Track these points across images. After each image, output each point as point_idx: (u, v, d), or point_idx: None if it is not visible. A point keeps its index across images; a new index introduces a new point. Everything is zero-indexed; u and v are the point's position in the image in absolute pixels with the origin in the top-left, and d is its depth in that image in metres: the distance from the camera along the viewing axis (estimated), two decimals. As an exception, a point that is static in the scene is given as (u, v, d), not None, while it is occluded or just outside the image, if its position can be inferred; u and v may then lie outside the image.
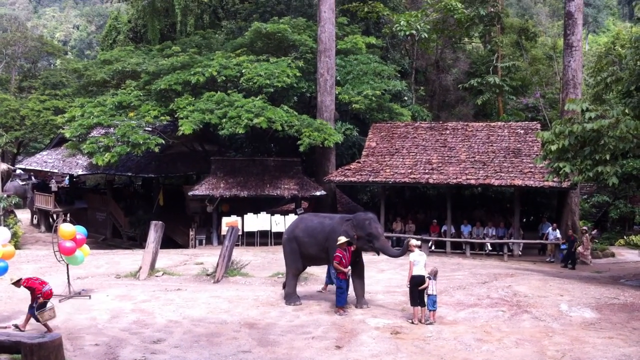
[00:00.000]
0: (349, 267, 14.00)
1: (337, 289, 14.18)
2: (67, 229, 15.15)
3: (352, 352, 11.42)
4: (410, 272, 13.47)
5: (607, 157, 16.99)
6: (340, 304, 14.05)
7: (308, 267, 16.27)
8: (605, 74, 19.49)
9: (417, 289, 13.31)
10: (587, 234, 24.67)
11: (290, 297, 15.09)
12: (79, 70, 35.68)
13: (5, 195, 28.87)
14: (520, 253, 25.64)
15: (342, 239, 14.01)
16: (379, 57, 35.48)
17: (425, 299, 13.27)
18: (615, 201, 34.10)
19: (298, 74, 29.25)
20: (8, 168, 33.04)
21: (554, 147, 17.91)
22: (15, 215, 31.15)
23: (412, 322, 13.18)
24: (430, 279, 13.27)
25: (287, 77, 28.17)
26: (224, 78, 28.38)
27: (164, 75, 29.09)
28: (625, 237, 31.16)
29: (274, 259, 23.06)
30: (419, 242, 14.46)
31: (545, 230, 25.45)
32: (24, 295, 15.49)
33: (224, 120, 26.16)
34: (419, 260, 13.51)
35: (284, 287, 15.79)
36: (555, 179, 20.40)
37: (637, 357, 11.07)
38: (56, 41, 77.03)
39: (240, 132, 26.56)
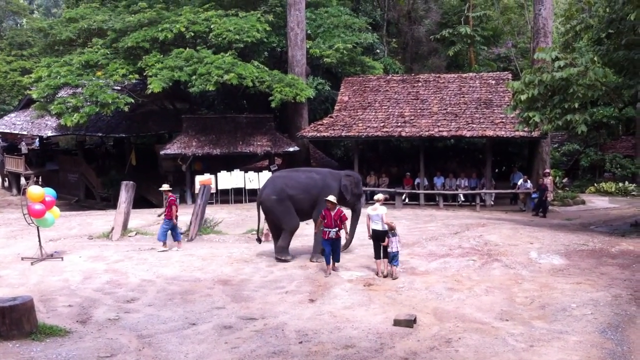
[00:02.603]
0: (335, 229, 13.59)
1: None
2: (36, 191, 14.97)
3: (325, 304, 11.53)
4: (368, 225, 13.59)
5: (576, 105, 17.08)
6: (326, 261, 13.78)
7: None
8: (574, 21, 19.44)
9: (376, 242, 13.46)
10: (549, 176, 24.92)
11: (283, 250, 14.95)
12: (45, 30, 34.78)
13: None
14: (492, 203, 25.97)
15: (332, 198, 13.78)
16: (350, 9, 35.14)
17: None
18: (585, 149, 34.49)
19: (268, 29, 28.86)
20: (-25, 131, 32.44)
21: (523, 97, 17.95)
22: (-15, 179, 30.73)
23: (377, 275, 13.32)
24: (389, 236, 13.28)
25: (257, 31, 27.79)
26: (192, 34, 27.91)
27: (131, 33, 28.50)
28: (595, 185, 31.60)
29: (248, 216, 23.07)
30: (381, 197, 14.41)
31: (517, 180, 25.73)
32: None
33: (193, 77, 25.84)
34: (373, 215, 13.58)
35: (258, 241, 15.86)
36: (525, 129, 20.51)
37: (604, 301, 11.31)
38: (21, 0, 74.96)
39: (210, 89, 26.28)
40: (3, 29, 54.73)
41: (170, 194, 16.65)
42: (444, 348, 9.23)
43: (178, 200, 17.51)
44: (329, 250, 13.56)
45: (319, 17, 32.78)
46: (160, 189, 17.30)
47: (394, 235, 13.27)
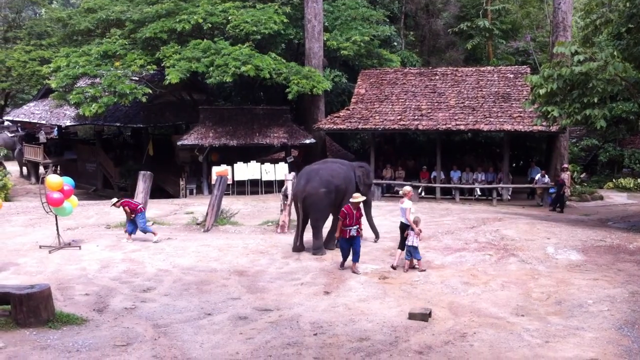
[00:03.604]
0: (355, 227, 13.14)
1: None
2: (54, 180, 15.10)
3: (340, 297, 11.56)
4: (411, 218, 13.44)
5: (596, 100, 16.94)
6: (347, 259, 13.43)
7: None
8: (594, 15, 19.22)
9: (401, 233, 13.58)
10: (567, 171, 24.74)
11: (321, 248, 14.90)
12: (63, 20, 34.95)
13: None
14: (509, 197, 25.81)
15: (359, 197, 13.38)
16: (368, 2, 34.96)
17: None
18: (604, 144, 34.14)
19: (285, 21, 28.82)
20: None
21: (542, 91, 17.80)
22: (5, 168, 31.00)
23: (392, 266, 13.42)
24: (411, 229, 13.28)
25: (274, 23, 27.77)
26: (210, 25, 27.95)
27: (149, 23, 28.60)
28: (614, 180, 31.28)
29: (264, 207, 23.17)
30: (407, 189, 14.29)
31: (535, 175, 25.55)
32: (14, 246, 15.62)
33: (211, 68, 25.90)
34: (400, 208, 13.71)
35: (299, 248, 15.12)
36: (543, 123, 20.38)
37: (621, 298, 11.24)
38: (40, -11, 75.34)
39: (228, 80, 26.32)
40: (22, 19, 55.00)
41: (118, 203, 16.67)
42: (459, 342, 9.22)
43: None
44: (347, 247, 13.20)
45: (337, 9, 32.70)
46: (111, 204, 17.30)
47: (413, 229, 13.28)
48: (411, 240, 13.18)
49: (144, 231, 16.49)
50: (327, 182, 14.79)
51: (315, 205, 14.74)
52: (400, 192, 14.39)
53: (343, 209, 13.22)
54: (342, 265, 13.41)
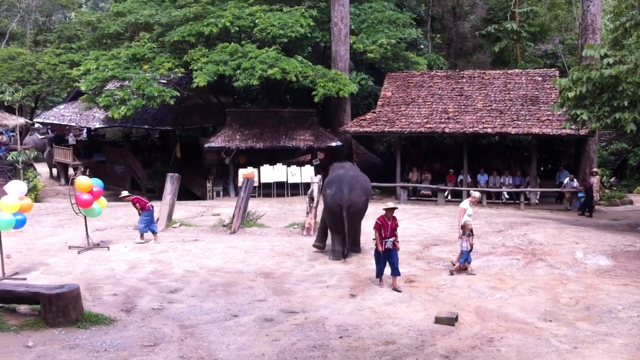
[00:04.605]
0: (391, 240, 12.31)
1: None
2: (84, 181, 15.31)
3: (366, 300, 11.55)
4: (461, 221, 13.49)
5: (626, 103, 16.72)
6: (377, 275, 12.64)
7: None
8: (624, 18, 19.00)
9: None
10: (596, 176, 24.42)
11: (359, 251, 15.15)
12: (93, 23, 35.42)
13: (24, 149, 29.12)
14: (537, 201, 25.56)
15: (391, 204, 12.67)
16: (394, 5, 34.90)
17: None
18: (634, 148, 33.63)
19: (312, 24, 28.89)
20: (26, 122, 33.19)
21: (571, 94, 17.63)
22: (35, 169, 31.45)
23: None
24: (462, 233, 13.34)
25: (301, 26, 27.85)
26: (237, 29, 28.11)
27: (177, 27, 28.85)
28: (644, 185, 30.86)
29: (290, 210, 23.23)
30: (475, 195, 14.29)
31: (563, 179, 25.25)
32: (44, 247, 15.84)
33: (238, 71, 26.05)
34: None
35: (344, 255, 14.75)
36: (572, 127, 20.18)
37: (651, 303, 11.10)
38: (70, -7, 76.36)
39: (254, 83, 26.46)
40: (52, 23, 55.84)
41: (130, 197, 17.06)
42: (486, 347, 9.16)
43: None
44: (383, 265, 12.37)
45: (363, 12, 32.68)
46: (120, 195, 17.67)
47: (469, 235, 13.23)
48: (463, 244, 13.19)
49: (142, 231, 16.70)
50: (366, 190, 15.07)
51: (359, 214, 14.75)
52: (470, 193, 14.32)
53: (377, 220, 12.37)
54: (380, 283, 12.45)
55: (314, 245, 15.47)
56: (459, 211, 13.65)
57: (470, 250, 13.34)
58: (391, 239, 12.23)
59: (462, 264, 13.28)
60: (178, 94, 27.60)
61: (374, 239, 12.46)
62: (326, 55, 32.02)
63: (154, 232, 16.79)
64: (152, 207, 17.00)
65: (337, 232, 14.74)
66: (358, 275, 13.21)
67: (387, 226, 12.22)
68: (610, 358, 8.73)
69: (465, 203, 13.82)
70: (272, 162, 28.82)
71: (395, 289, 12.08)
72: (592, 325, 10.17)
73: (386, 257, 12.29)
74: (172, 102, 27.34)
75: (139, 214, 16.74)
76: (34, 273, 13.30)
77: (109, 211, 20.71)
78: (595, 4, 26.96)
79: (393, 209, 12.37)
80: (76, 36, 46.76)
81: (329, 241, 15.30)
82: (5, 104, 30.20)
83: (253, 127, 29.03)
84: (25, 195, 13.44)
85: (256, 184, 26.63)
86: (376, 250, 12.39)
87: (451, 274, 13.21)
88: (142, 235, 16.65)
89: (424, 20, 39.37)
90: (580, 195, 23.73)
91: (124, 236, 17.55)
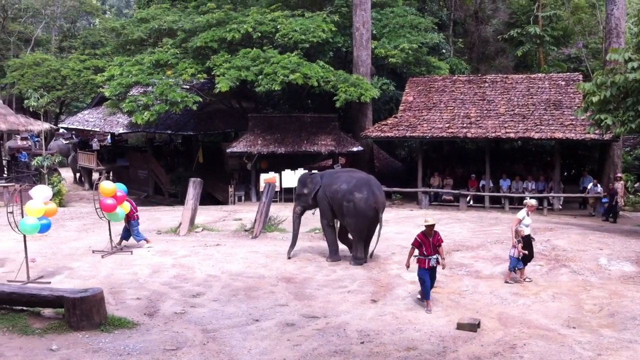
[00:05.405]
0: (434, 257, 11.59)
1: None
2: (108, 186, 15.48)
3: (387, 305, 11.54)
4: (514, 229, 13.33)
5: (651, 108, 16.57)
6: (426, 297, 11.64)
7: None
8: (649, 22, 18.85)
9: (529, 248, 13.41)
10: (621, 181, 24.15)
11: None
12: (117, 29, 35.84)
13: (49, 154, 29.49)
14: (560, 207, 25.32)
15: (431, 220, 11.72)
16: (416, 9, 34.87)
17: None
18: (659, 153, 33.24)
19: (333, 29, 28.93)
20: (51, 127, 33.62)
21: (595, 99, 17.48)
22: (59, 174, 31.84)
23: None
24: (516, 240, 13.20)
25: (323, 32, 27.90)
26: (259, 34, 28.25)
27: (200, 33, 29.08)
28: (669, 190, 30.40)
29: (311, 215, 23.19)
30: (530, 202, 14.00)
31: (587, 184, 24.99)
32: (68, 251, 16.02)
33: (260, 77, 26.15)
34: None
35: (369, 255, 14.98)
36: (596, 131, 19.99)
37: (676, 311, 10.95)
38: (94, 0, 77.34)
39: (276, 88, 26.55)
40: (77, 29, 56.59)
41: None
42: (508, 354, 9.11)
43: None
44: (429, 282, 11.52)
45: (385, 17, 32.67)
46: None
47: (519, 242, 13.12)
48: (512, 251, 13.13)
49: (141, 239, 16.74)
50: (384, 193, 15.14)
51: (380, 217, 14.73)
52: (524, 202, 14.11)
53: (417, 237, 11.66)
54: (428, 307, 11.37)
55: (332, 261, 15.04)
56: (513, 220, 13.53)
57: (522, 259, 13.19)
58: (435, 257, 11.54)
59: (510, 272, 13.16)
60: (201, 100, 27.83)
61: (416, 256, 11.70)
62: (348, 60, 32.06)
63: (126, 239, 16.77)
64: (138, 216, 16.94)
65: (364, 238, 14.76)
66: (379, 281, 13.20)
67: (428, 243, 11.50)
68: (635, 366, 8.64)
69: (522, 213, 13.61)
70: (294, 167, 28.84)
71: (428, 310, 11.30)
72: (616, 332, 10.06)
73: (430, 274, 11.54)
74: (194, 108, 27.53)
75: (126, 223, 16.58)
76: (58, 277, 13.47)
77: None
78: (619, 8, 26.70)
79: (432, 225, 11.60)
80: (100, 42, 47.38)
81: (342, 246, 15.30)
82: (31, 109, 30.61)
83: (275, 132, 29.13)
84: (50, 199, 13.62)
85: (278, 189, 26.68)
86: (421, 269, 11.52)
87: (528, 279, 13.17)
88: (147, 240, 16.83)
89: (446, 25, 39.26)
90: (604, 200, 23.48)
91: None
